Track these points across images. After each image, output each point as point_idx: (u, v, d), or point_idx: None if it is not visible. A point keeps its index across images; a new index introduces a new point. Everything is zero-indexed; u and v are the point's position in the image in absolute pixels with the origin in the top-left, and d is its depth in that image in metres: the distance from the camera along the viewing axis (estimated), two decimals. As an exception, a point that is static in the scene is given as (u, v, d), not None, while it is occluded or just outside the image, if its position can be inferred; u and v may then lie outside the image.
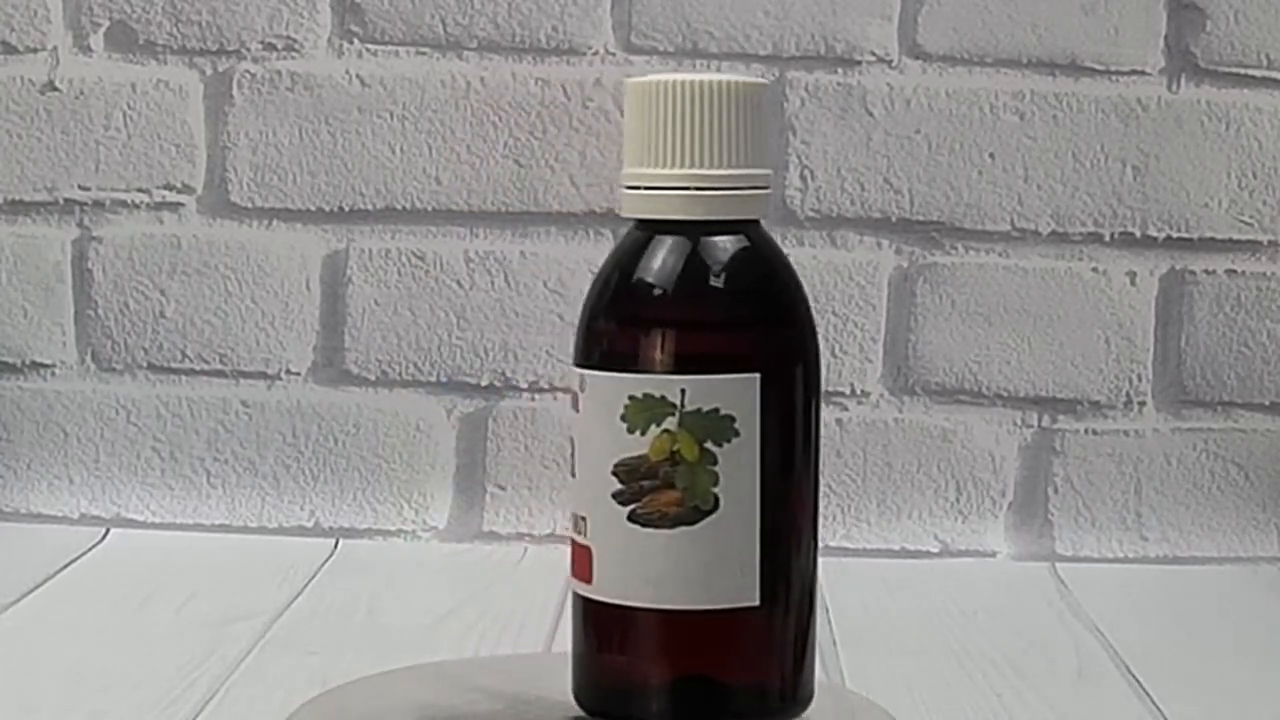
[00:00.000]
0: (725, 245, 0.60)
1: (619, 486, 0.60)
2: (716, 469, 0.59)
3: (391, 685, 0.69)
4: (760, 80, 0.62)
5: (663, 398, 0.59)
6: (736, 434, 0.59)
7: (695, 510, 0.59)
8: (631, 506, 0.60)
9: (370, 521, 1.02)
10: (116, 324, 1.02)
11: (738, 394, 0.59)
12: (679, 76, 0.60)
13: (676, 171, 0.60)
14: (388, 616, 0.86)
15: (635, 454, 0.59)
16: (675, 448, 0.59)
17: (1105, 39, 1.01)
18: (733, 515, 0.59)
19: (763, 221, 0.63)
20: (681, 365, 0.59)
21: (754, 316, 0.61)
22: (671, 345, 0.59)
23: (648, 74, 0.64)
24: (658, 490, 0.59)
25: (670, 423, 0.59)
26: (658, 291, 0.60)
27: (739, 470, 0.59)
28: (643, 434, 0.59)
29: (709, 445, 0.59)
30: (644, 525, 0.59)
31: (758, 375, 0.59)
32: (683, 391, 0.59)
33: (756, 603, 0.60)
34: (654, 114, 0.60)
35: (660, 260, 0.60)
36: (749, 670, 0.61)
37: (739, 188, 0.60)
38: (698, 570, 0.59)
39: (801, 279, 0.63)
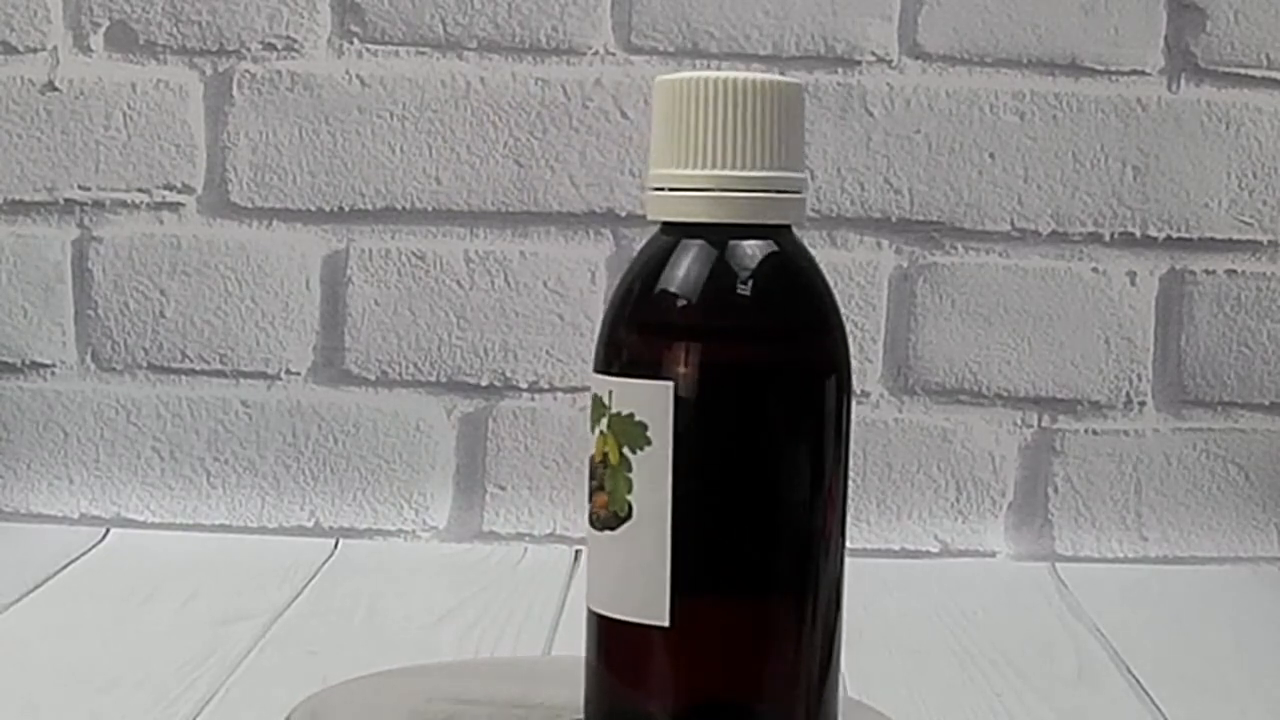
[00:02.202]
0: (753, 251, 0.58)
1: (588, 485, 0.59)
2: (631, 476, 0.57)
3: (390, 684, 0.69)
4: (795, 81, 0.59)
5: (600, 398, 0.58)
6: (649, 442, 0.57)
7: (615, 516, 0.57)
8: (589, 505, 0.59)
9: (370, 521, 1.02)
10: (116, 324, 1.02)
11: (650, 401, 0.57)
12: (710, 74, 0.58)
13: (705, 172, 0.57)
14: (388, 616, 0.86)
15: (591, 452, 0.59)
16: (605, 449, 0.58)
17: (1105, 39, 1.01)
18: (644, 526, 0.57)
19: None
20: (705, 376, 0.57)
21: (781, 326, 0.58)
22: (696, 356, 0.57)
23: (655, 73, 0.62)
24: (598, 491, 0.58)
25: (604, 424, 0.58)
26: (681, 302, 0.57)
27: (651, 480, 0.57)
28: (594, 433, 0.59)
29: (625, 451, 0.57)
30: (591, 525, 0.59)
31: (670, 383, 0.56)
32: (610, 393, 0.57)
33: (665, 623, 0.57)
34: (684, 113, 0.57)
35: (685, 267, 0.57)
36: (661, 695, 0.58)
37: (770, 191, 0.58)
38: (615, 577, 0.58)
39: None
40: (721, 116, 0.57)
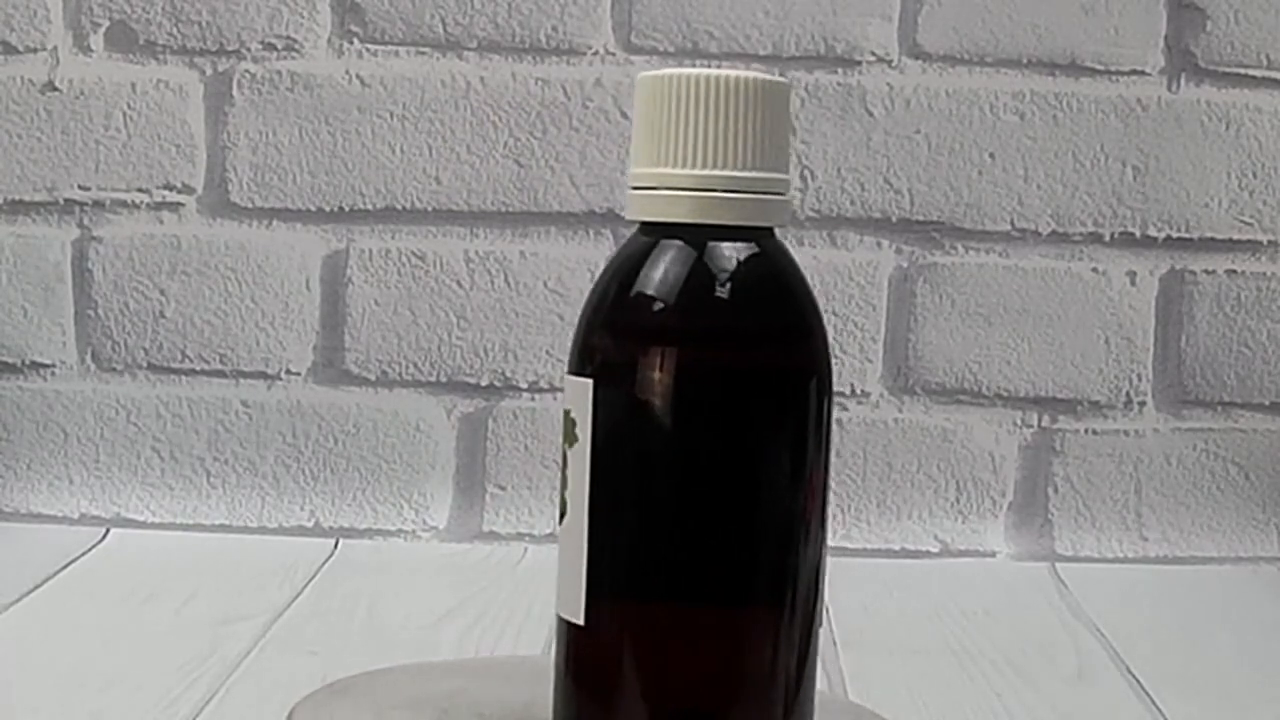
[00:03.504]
0: (733, 254, 0.56)
1: None
2: (568, 473, 0.56)
3: (390, 681, 0.69)
4: (781, 79, 0.57)
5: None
6: (576, 439, 0.56)
7: (561, 513, 0.57)
8: None
9: (370, 521, 1.02)
10: (116, 324, 1.02)
11: (578, 397, 0.56)
12: (693, 71, 0.56)
13: (685, 172, 0.56)
14: (388, 616, 0.86)
15: None
16: (560, 445, 0.58)
17: (1105, 39, 1.01)
18: (572, 522, 0.56)
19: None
20: (681, 381, 0.55)
21: (760, 331, 0.57)
22: (672, 361, 0.55)
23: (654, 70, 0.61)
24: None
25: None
26: (658, 305, 0.56)
27: (578, 476, 0.56)
28: None
29: (566, 447, 0.56)
30: None
31: (591, 381, 0.55)
32: (563, 389, 0.57)
33: (580, 621, 0.56)
34: (665, 110, 0.56)
35: (662, 269, 0.56)
36: (581, 694, 0.57)
37: (752, 191, 0.56)
38: (559, 573, 0.57)
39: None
40: (704, 115, 0.56)
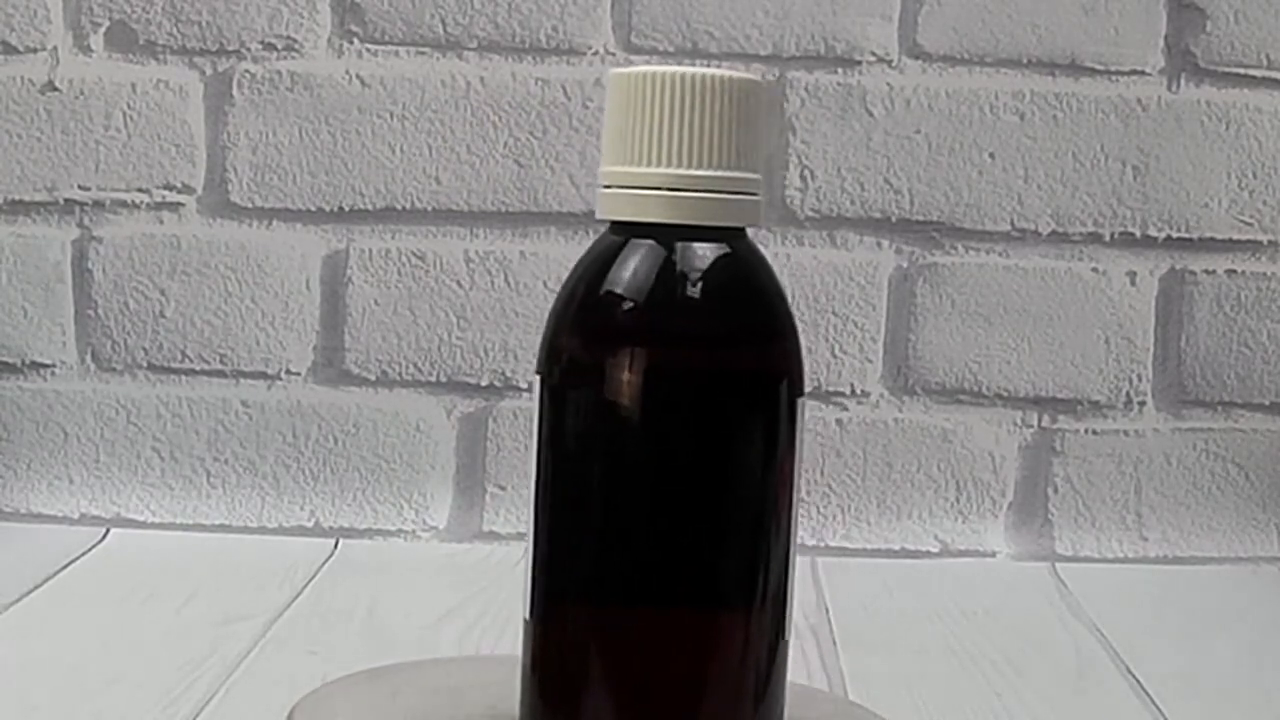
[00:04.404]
0: (704, 254, 0.55)
1: None
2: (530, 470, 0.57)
3: (390, 679, 0.69)
4: (754, 77, 0.56)
5: None
6: (531, 436, 0.56)
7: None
8: None
9: (370, 521, 1.02)
10: (116, 324, 1.02)
11: (537, 394, 0.56)
12: (664, 69, 0.55)
13: (655, 170, 0.55)
14: (388, 616, 0.86)
15: None
16: None
17: (1105, 39, 1.01)
18: (529, 521, 0.57)
19: (754, 229, 0.58)
20: (649, 382, 0.54)
21: (729, 332, 0.56)
22: (640, 361, 0.55)
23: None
24: None
25: None
26: (627, 305, 0.55)
27: (534, 474, 0.56)
28: None
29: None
30: None
31: (539, 378, 0.55)
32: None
33: (527, 615, 0.56)
34: (636, 108, 0.55)
35: (631, 268, 0.55)
36: (530, 686, 0.57)
37: (723, 191, 0.55)
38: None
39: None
40: (675, 113, 0.55)
